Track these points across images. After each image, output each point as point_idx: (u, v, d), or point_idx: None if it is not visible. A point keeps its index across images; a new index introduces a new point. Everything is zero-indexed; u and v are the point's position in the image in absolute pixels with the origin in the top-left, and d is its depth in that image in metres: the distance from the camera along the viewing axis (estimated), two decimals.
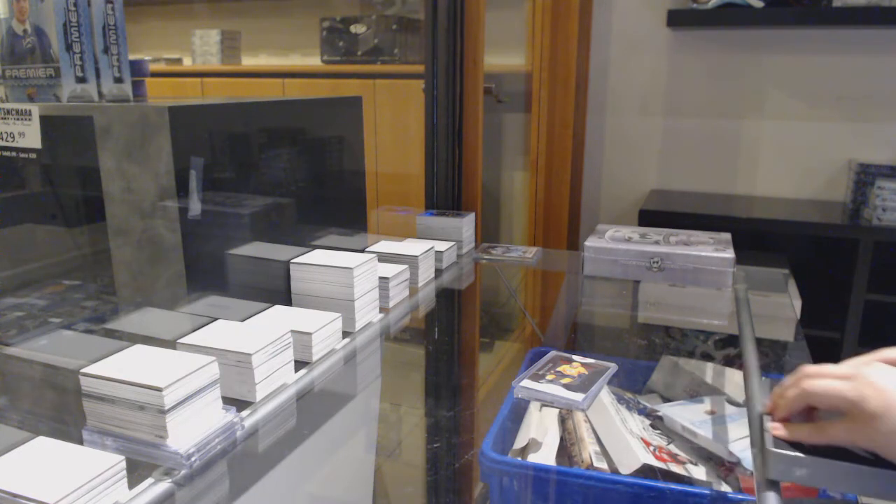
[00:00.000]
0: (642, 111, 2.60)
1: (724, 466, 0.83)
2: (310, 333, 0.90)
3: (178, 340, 0.79)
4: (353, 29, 2.70)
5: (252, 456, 0.74)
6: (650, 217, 2.24)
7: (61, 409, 0.83)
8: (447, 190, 1.59)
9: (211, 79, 2.92)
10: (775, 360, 1.13)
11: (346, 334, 1.00)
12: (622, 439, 0.83)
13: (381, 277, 1.10)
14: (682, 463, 0.83)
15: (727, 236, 1.35)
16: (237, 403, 0.77)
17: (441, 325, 1.25)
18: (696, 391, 0.99)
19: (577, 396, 0.84)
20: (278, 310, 0.97)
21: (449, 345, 1.22)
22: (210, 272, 0.90)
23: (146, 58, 2.59)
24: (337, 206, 1.21)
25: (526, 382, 0.87)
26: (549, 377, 0.89)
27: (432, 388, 1.06)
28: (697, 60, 2.50)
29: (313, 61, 2.94)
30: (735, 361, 1.09)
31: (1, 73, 0.96)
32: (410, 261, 1.23)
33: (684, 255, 1.26)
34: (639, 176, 2.66)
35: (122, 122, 0.83)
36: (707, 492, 0.73)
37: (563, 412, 0.90)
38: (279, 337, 0.82)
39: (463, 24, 1.53)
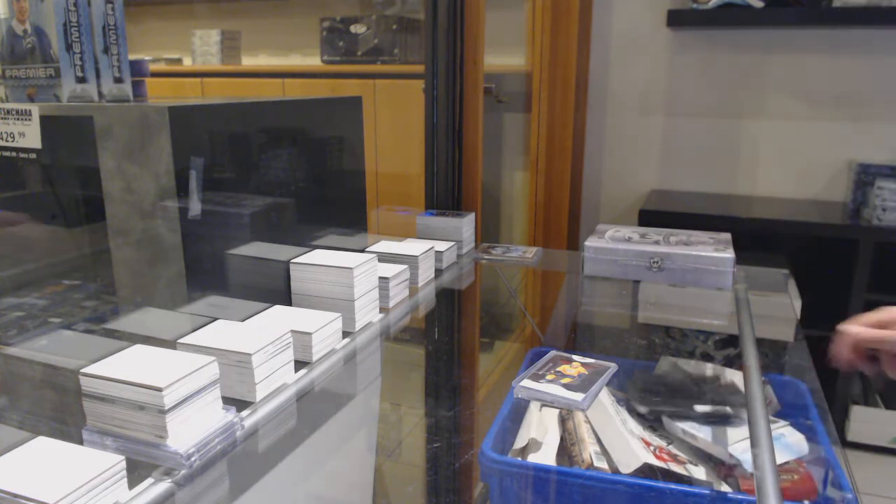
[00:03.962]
0: (642, 111, 2.60)
1: (724, 466, 0.83)
2: (310, 333, 0.90)
3: (178, 340, 0.79)
4: (353, 29, 2.70)
5: (252, 456, 0.74)
6: (650, 217, 2.24)
7: (61, 409, 0.83)
8: (447, 190, 1.59)
9: (211, 79, 2.92)
10: (775, 360, 1.13)
11: (346, 334, 1.00)
12: (622, 439, 0.83)
13: (381, 277, 1.10)
14: (682, 463, 0.83)
15: (727, 236, 1.35)
16: (237, 403, 0.77)
17: (441, 325, 1.25)
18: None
19: (577, 396, 0.84)
20: (278, 310, 0.97)
21: (449, 345, 1.22)
22: (210, 272, 0.90)
23: (146, 58, 2.59)
24: (337, 206, 1.21)
25: (526, 382, 0.87)
26: (549, 377, 0.89)
27: (432, 388, 1.06)
28: (697, 60, 2.50)
29: (313, 61, 2.94)
30: (735, 361, 1.09)
31: (1, 73, 0.96)
32: (410, 261, 1.23)
33: (684, 255, 1.26)
34: (639, 176, 2.66)
35: (122, 122, 0.83)
36: (707, 492, 0.73)
37: (563, 412, 0.90)
38: (279, 337, 0.82)
39: (463, 24, 1.53)
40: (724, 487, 0.80)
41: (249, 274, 0.98)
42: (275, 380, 0.82)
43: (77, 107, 0.90)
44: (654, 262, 1.27)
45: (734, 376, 1.01)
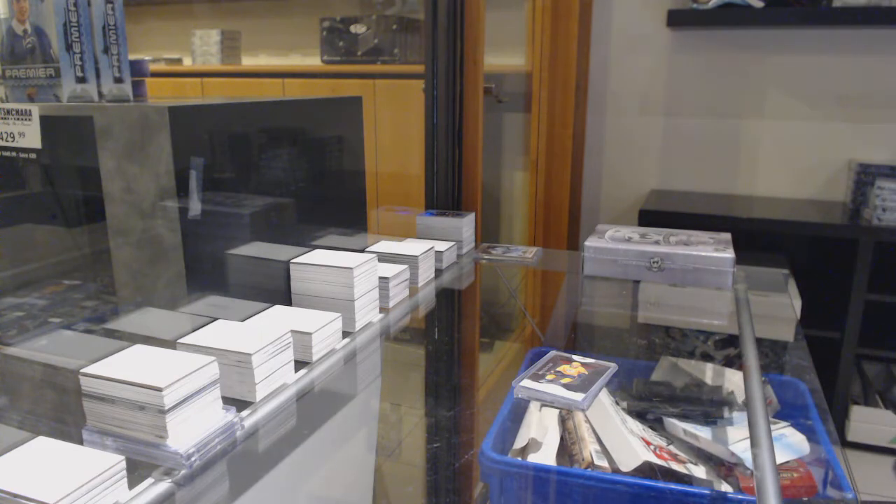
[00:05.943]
0: (642, 111, 2.60)
1: (724, 466, 0.83)
2: (310, 333, 0.90)
3: (178, 340, 0.79)
4: (353, 29, 2.70)
5: (252, 456, 0.74)
6: (650, 217, 2.24)
7: (61, 409, 0.82)
8: (447, 190, 1.59)
9: (211, 79, 2.92)
10: (775, 360, 1.13)
11: (346, 334, 1.00)
12: (622, 438, 0.83)
13: (381, 277, 1.10)
14: (683, 462, 0.83)
15: (727, 236, 1.35)
16: (237, 403, 0.77)
17: (441, 325, 1.25)
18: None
19: (577, 396, 0.84)
20: (278, 310, 0.97)
21: (449, 345, 1.22)
22: (210, 272, 0.90)
23: (146, 58, 2.59)
24: (337, 206, 1.21)
25: (526, 382, 0.87)
26: (549, 377, 0.89)
27: (432, 388, 1.06)
28: (697, 60, 2.50)
29: (313, 61, 2.94)
30: (735, 361, 1.09)
31: (1, 73, 0.96)
32: (410, 261, 1.23)
33: (684, 255, 1.26)
34: (639, 176, 2.66)
35: (122, 122, 0.83)
36: (707, 492, 0.73)
37: (563, 412, 0.90)
38: (279, 337, 0.82)
39: (463, 24, 1.53)
40: (725, 487, 0.80)
41: (249, 274, 0.98)
42: (275, 380, 0.82)
43: (77, 107, 0.90)
44: (654, 262, 1.27)
45: (734, 376, 1.01)
